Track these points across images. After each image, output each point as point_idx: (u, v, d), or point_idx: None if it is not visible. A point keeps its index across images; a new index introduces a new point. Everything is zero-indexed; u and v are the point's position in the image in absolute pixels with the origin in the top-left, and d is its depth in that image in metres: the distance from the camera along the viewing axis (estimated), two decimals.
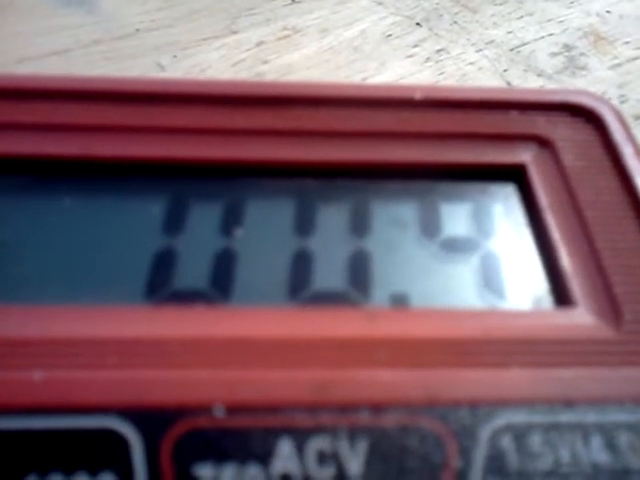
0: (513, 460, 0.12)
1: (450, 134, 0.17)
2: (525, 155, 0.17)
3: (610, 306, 0.14)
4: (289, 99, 0.18)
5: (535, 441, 0.12)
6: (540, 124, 0.18)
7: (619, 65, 0.33)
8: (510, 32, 0.35)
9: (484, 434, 0.12)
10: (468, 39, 0.34)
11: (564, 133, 0.17)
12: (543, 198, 0.16)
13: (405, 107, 0.18)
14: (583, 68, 0.33)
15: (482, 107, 0.18)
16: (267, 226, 0.16)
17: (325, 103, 0.18)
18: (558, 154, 0.17)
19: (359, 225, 0.16)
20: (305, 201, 0.17)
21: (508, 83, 0.32)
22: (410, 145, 0.17)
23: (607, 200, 0.16)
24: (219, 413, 0.12)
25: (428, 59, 0.33)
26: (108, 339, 0.13)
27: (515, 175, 0.17)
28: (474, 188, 0.17)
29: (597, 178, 0.17)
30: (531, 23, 0.36)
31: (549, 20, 0.36)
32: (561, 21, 0.36)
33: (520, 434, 0.13)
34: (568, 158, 0.17)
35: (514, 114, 0.18)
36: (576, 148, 0.17)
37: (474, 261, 0.16)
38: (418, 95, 0.18)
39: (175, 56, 0.32)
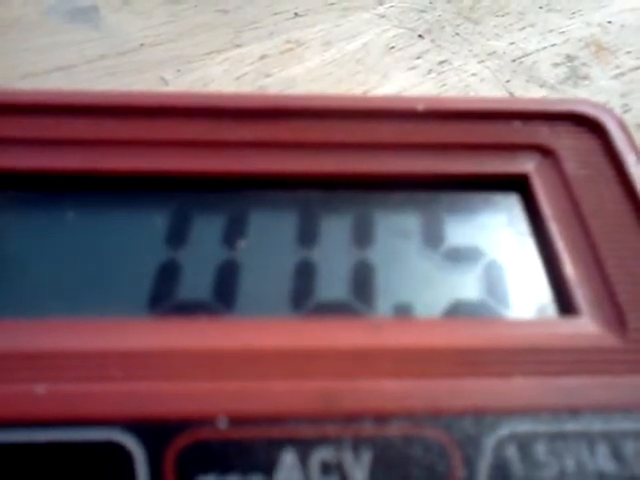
0: (518, 470, 0.12)
1: (453, 145, 0.17)
2: (528, 165, 0.17)
3: (614, 314, 0.14)
4: (292, 111, 0.18)
5: (540, 450, 0.12)
6: (543, 134, 0.18)
7: (622, 75, 0.33)
8: (512, 43, 0.35)
9: (489, 444, 0.12)
10: (470, 50, 0.34)
11: (567, 142, 0.17)
12: (546, 207, 0.16)
13: (408, 118, 0.18)
14: (585, 78, 0.33)
15: (485, 117, 0.18)
16: (270, 237, 0.16)
17: (328, 115, 0.18)
18: (561, 163, 0.17)
19: (362, 236, 0.16)
20: (308, 212, 0.17)
21: (510, 94, 0.32)
22: (413, 156, 0.17)
23: (610, 208, 0.16)
24: (222, 425, 0.12)
25: (430, 71, 0.33)
26: (111, 351, 0.13)
27: (518, 185, 0.17)
28: (477, 198, 0.17)
29: (600, 187, 0.17)
30: (533, 34, 0.36)
31: (551, 31, 0.36)
32: (563, 32, 0.36)
33: (525, 443, 0.12)
34: (571, 167, 0.17)
35: (517, 124, 0.18)
36: (579, 157, 0.17)
37: (478, 271, 0.16)
38: (421, 106, 0.18)
39: (179, 70, 0.32)
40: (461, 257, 0.16)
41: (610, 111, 0.18)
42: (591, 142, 0.18)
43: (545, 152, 0.17)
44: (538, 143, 0.17)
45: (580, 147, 0.17)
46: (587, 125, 0.18)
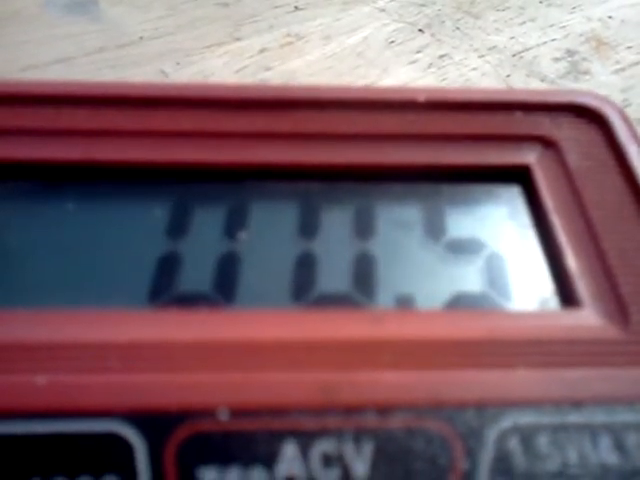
0: (520, 461, 0.12)
1: (454, 136, 0.17)
2: (530, 156, 0.17)
3: (617, 306, 0.14)
4: (293, 102, 0.18)
5: (542, 442, 0.12)
6: (544, 125, 0.18)
7: (622, 70, 0.33)
8: (512, 38, 0.35)
9: (491, 435, 0.12)
10: (471, 45, 0.34)
11: (568, 133, 0.17)
12: (548, 199, 0.16)
13: (409, 109, 0.18)
14: (586, 73, 0.33)
15: (486, 108, 0.18)
16: (271, 229, 0.16)
17: (329, 106, 0.18)
18: (563, 155, 0.17)
19: (363, 227, 0.16)
20: (309, 204, 0.17)
21: (511, 88, 0.32)
22: (414, 147, 0.17)
23: (612, 200, 0.16)
24: (223, 416, 0.12)
25: (431, 65, 0.33)
26: (112, 343, 0.13)
27: (520, 176, 0.17)
28: (479, 190, 0.17)
29: (602, 178, 0.16)
30: (533, 29, 0.36)
31: (551, 25, 0.36)
32: (563, 26, 0.36)
33: (527, 435, 0.12)
34: (573, 158, 0.17)
35: (518, 115, 0.18)
36: (581, 148, 0.17)
37: (479, 262, 0.16)
38: (422, 97, 0.18)
39: (178, 63, 0.32)
40: (463, 249, 0.16)
41: (612, 103, 0.18)
42: (593, 133, 0.17)
43: (547, 143, 0.17)
44: (540, 134, 0.17)
45: (582, 138, 0.17)
46: (589, 116, 0.18)
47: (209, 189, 0.17)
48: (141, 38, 0.33)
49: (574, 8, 0.38)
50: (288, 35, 0.34)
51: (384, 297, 0.15)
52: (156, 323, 0.14)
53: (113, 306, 0.14)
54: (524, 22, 0.37)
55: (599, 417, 0.13)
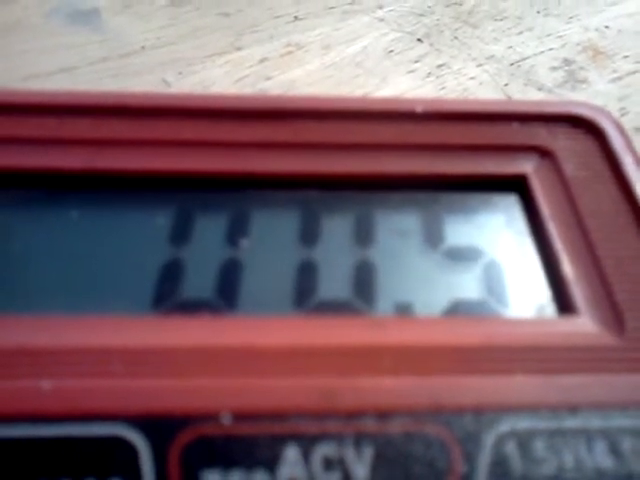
0: (517, 466, 0.12)
1: (452, 146, 0.18)
2: (527, 166, 0.17)
3: (612, 313, 0.15)
4: (293, 112, 0.18)
5: (539, 447, 0.13)
6: (541, 135, 0.18)
7: (619, 79, 0.33)
8: (510, 47, 0.35)
9: (488, 440, 0.13)
10: (469, 54, 0.35)
11: (565, 144, 0.18)
12: (545, 208, 0.16)
13: (407, 119, 0.18)
14: (583, 82, 0.33)
15: (484, 119, 0.18)
16: (272, 237, 0.16)
17: (328, 116, 0.18)
18: (559, 164, 0.17)
19: (363, 235, 0.17)
20: (310, 212, 0.17)
21: (509, 97, 0.32)
22: (413, 157, 0.17)
23: (608, 209, 0.16)
24: (226, 420, 0.12)
25: (429, 74, 0.33)
26: (116, 348, 0.13)
27: (517, 185, 0.17)
28: (476, 198, 0.17)
29: (598, 187, 0.17)
30: (531, 38, 0.36)
31: (548, 35, 0.36)
32: (560, 36, 0.36)
33: (524, 440, 0.13)
34: (569, 168, 0.17)
35: (515, 125, 0.18)
36: (577, 158, 0.17)
37: (477, 270, 0.16)
38: (420, 108, 0.18)
39: (180, 73, 0.32)
40: (461, 256, 0.16)
41: (607, 113, 0.18)
42: (589, 143, 0.18)
43: (543, 153, 0.18)
44: (536, 144, 0.18)
45: (578, 148, 0.18)
46: (585, 127, 0.18)
47: (211, 197, 0.17)
48: (143, 48, 0.34)
49: (571, 18, 0.38)
50: (288, 45, 0.34)
51: (384, 304, 0.15)
52: (159, 329, 0.14)
53: (117, 312, 0.14)
54: (522, 32, 0.37)
55: (595, 422, 0.13)
